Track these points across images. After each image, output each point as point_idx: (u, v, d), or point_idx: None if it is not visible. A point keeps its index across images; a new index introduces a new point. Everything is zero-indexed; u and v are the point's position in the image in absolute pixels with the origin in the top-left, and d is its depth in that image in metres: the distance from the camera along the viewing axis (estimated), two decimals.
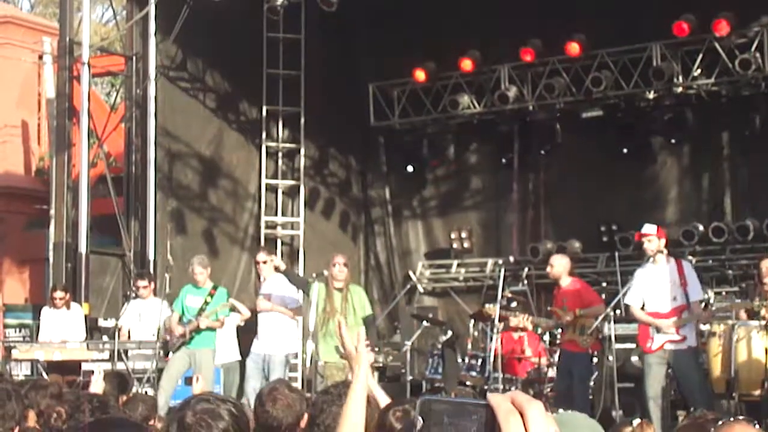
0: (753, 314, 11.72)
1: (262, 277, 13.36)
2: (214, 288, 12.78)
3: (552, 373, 13.31)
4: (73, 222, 16.03)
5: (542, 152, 18.03)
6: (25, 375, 13.21)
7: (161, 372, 12.59)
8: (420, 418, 1.85)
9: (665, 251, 11.32)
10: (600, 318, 12.04)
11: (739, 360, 11.43)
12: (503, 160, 18.49)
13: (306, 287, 12.05)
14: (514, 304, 12.52)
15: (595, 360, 13.02)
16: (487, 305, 13.65)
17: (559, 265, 12.29)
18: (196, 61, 17.72)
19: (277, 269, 12.58)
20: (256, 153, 18.70)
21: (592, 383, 13.21)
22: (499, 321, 13.10)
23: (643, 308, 11.40)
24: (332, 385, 5.22)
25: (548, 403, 11.50)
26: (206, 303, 12.54)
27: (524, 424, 1.82)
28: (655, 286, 11.26)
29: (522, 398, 1.84)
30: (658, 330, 11.13)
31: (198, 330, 12.45)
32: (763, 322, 11.33)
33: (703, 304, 11.60)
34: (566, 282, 12.30)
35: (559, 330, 13.15)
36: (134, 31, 17.02)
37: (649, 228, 11.39)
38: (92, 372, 9.83)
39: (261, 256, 13.07)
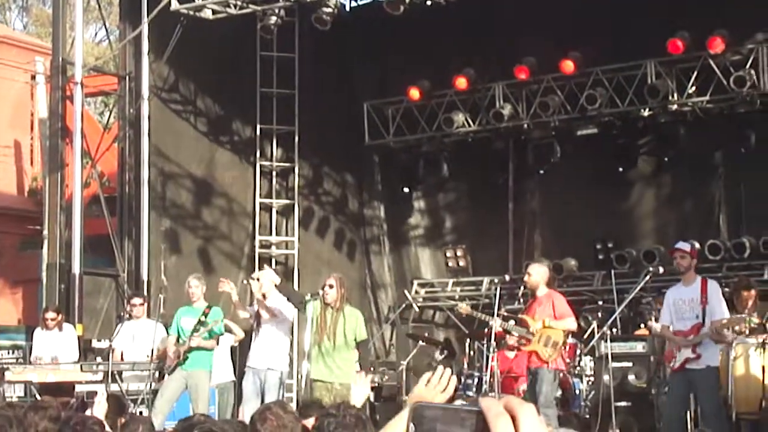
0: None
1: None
2: (209, 307, 12.62)
3: None
4: (66, 242, 15.95)
5: (540, 171, 17.95)
6: (19, 397, 13.08)
7: (156, 393, 12.46)
8: (412, 424, 1.85)
9: (693, 270, 11.20)
10: (568, 334, 11.83)
11: (737, 378, 11.34)
12: (499, 179, 18.43)
13: (301, 304, 11.93)
14: (511, 322, 12.26)
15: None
16: (459, 304, 13.41)
17: (537, 274, 11.76)
18: (189, 80, 17.68)
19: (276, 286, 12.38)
20: (251, 172, 18.64)
21: (589, 403, 13.12)
22: (495, 340, 12.98)
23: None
24: (333, 407, 5.13)
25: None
26: (200, 322, 12.42)
27: (515, 427, 1.80)
28: (680, 304, 11.08)
29: (514, 402, 1.86)
30: (680, 349, 10.98)
31: (190, 349, 12.34)
32: (761, 340, 11.26)
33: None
34: (542, 292, 11.78)
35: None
36: (127, 50, 16.96)
37: (683, 245, 11.29)
38: (94, 393, 9.72)
39: (255, 274, 12.96)
